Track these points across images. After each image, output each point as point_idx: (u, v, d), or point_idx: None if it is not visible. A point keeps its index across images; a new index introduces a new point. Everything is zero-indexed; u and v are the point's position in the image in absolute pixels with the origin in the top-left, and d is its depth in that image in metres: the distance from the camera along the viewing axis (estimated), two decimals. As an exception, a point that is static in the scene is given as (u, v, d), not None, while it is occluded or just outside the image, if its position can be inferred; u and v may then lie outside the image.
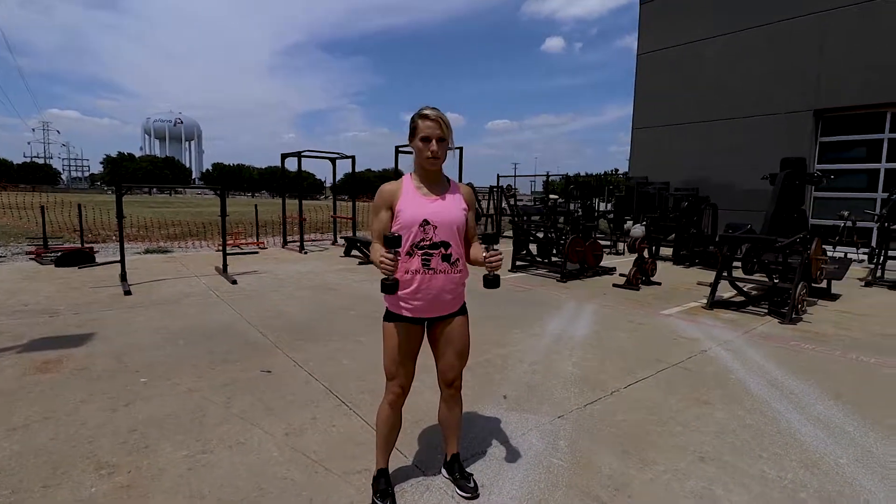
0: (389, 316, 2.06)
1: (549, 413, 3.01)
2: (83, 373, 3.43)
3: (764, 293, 5.88)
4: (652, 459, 2.51)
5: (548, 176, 17.28)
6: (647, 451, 2.59)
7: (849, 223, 8.30)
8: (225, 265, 7.33)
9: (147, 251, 9.61)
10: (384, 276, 1.84)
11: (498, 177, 14.99)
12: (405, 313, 2.03)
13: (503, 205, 14.55)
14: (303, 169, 11.11)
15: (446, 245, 1.98)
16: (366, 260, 8.86)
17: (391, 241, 1.81)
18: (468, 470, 2.29)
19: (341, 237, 11.32)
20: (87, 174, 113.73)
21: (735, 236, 5.39)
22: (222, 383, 3.29)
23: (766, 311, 5.54)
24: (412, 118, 1.99)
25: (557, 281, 7.30)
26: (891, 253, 7.33)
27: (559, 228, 8.02)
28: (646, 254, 7.05)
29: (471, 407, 3.00)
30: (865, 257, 7.84)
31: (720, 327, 4.96)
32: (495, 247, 1.98)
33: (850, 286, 7.12)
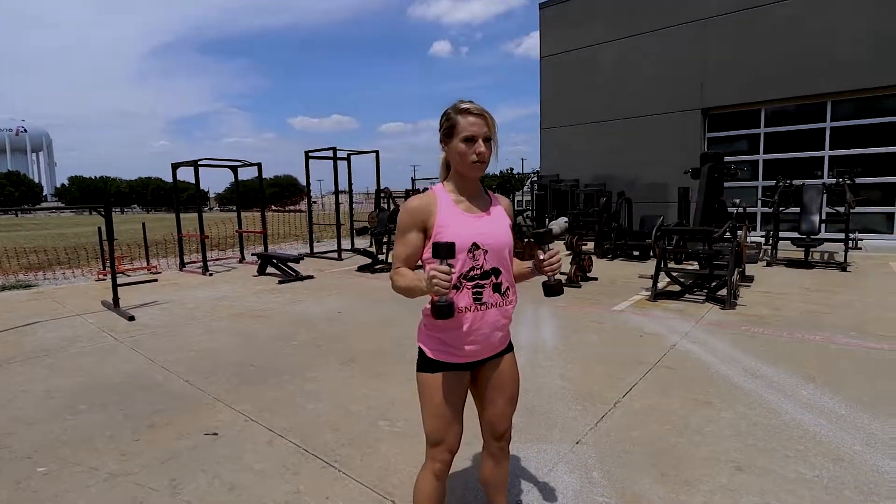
0: (431, 365, 1.60)
1: (565, 439, 2.71)
2: (-58, 473, 2.47)
3: (693, 281, 6.18)
4: (694, 479, 2.31)
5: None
6: (683, 470, 2.39)
7: (740, 209, 9.17)
8: (116, 298, 6.13)
9: (3, 287, 7.83)
10: (436, 298, 1.39)
11: (413, 180, 14.66)
12: (453, 360, 1.59)
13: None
14: (179, 179, 9.80)
15: (497, 272, 1.57)
16: (288, 278, 8.02)
17: (444, 251, 1.37)
18: (518, 532, 1.91)
19: (252, 254, 10.22)
20: None
21: (675, 229, 5.60)
22: (158, 460, 2.55)
23: (703, 298, 5.81)
24: (446, 115, 1.56)
25: (499, 284, 7.13)
26: (781, 234, 8.19)
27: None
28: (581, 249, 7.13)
29: (472, 445, 2.60)
30: (762, 239, 8.70)
31: (673, 318, 5.07)
32: (550, 246, 1.62)
33: (754, 268, 7.82)
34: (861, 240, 9.24)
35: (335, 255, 10.87)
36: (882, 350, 3.97)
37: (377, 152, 11.88)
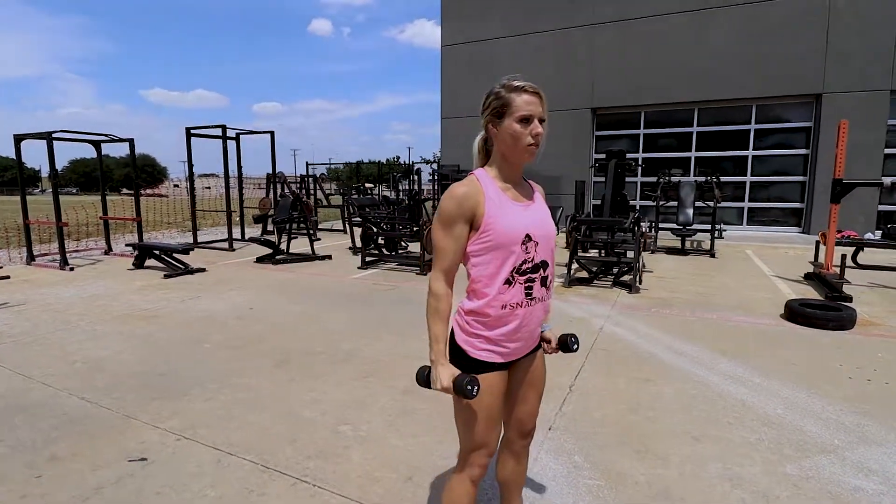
0: (474, 366, 1.45)
1: (538, 427, 2.70)
2: None
3: (599, 268, 6.66)
4: (663, 453, 2.46)
5: (359, 164, 16.76)
6: (651, 445, 2.52)
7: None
8: (-51, 301, 4.89)
9: None
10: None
11: (307, 164, 13.84)
12: (499, 359, 1.46)
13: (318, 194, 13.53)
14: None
15: (545, 265, 1.48)
16: (176, 272, 7.08)
17: (463, 394, 1.35)
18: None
19: (126, 245, 8.84)
20: None
21: (588, 220, 5.96)
22: (77, 499, 2.04)
23: (610, 283, 6.28)
24: (494, 94, 1.41)
25: (417, 274, 7.02)
26: (661, 224, 9.21)
27: (413, 218, 7.71)
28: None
29: (446, 443, 2.50)
30: (646, 229, 9.70)
31: (591, 303, 5.40)
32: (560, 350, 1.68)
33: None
34: (725, 230, 10.77)
35: (226, 244, 9.88)
36: (767, 325, 4.62)
37: (272, 133, 11.01)
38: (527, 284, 1.43)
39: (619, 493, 2.14)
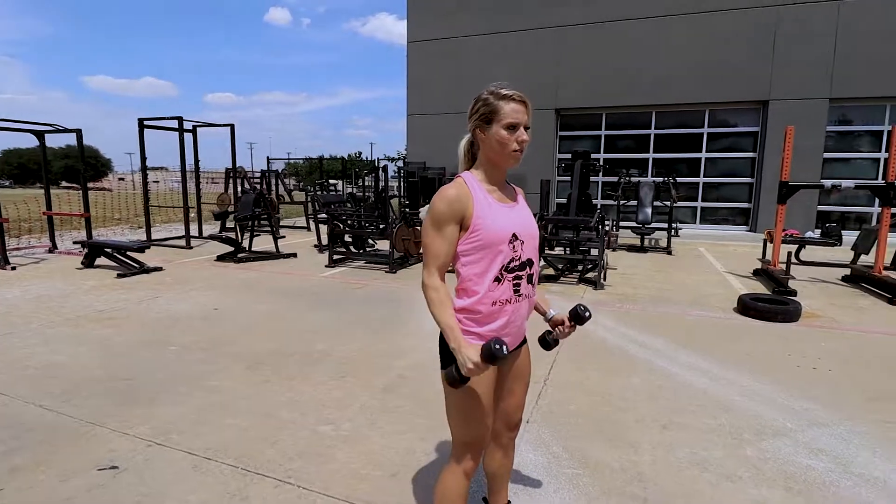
0: None
1: (516, 420, 2.79)
2: None
3: (565, 265, 6.85)
4: (635, 441, 2.58)
5: (321, 159, 16.47)
6: (624, 434, 2.64)
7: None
8: None
9: None
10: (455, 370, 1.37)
11: (268, 159, 13.49)
12: None
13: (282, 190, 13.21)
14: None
15: (531, 263, 1.55)
16: (130, 271, 6.78)
17: (494, 356, 1.30)
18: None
19: (74, 242, 8.36)
20: None
21: (557, 218, 6.11)
22: (44, 511, 1.95)
23: (575, 280, 6.47)
24: (482, 100, 1.47)
25: (387, 272, 6.99)
26: (621, 223, 9.54)
27: (383, 216, 7.67)
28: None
29: (429, 439, 2.55)
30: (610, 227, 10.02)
31: (559, 300, 5.54)
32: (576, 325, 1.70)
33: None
34: (681, 228, 11.27)
35: (182, 242, 9.52)
36: (721, 318, 4.89)
37: (232, 126, 10.66)
38: (514, 282, 1.49)
39: (596, 480, 2.23)
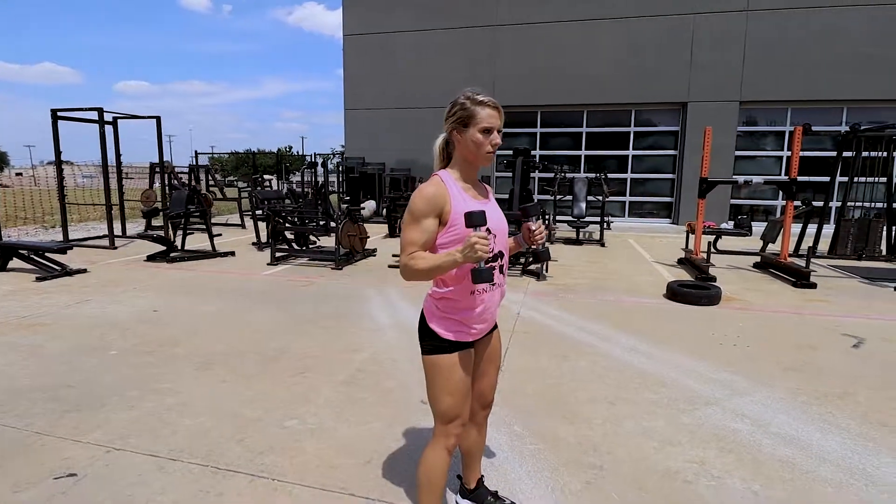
0: (447, 346, 1.61)
1: (478, 404, 2.93)
2: None
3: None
4: (587, 417, 2.80)
5: (254, 154, 15.82)
6: (577, 411, 2.86)
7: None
8: None
9: None
10: (476, 265, 1.44)
11: (196, 153, 12.81)
12: (468, 338, 1.64)
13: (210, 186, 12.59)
14: None
15: (501, 255, 1.69)
16: (51, 274, 6.27)
17: (478, 218, 1.43)
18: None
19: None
20: None
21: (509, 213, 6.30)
22: (-1, 525, 1.85)
23: (519, 272, 6.74)
24: (460, 105, 1.59)
25: (333, 269, 6.93)
26: (558, 217, 10.00)
27: (327, 213, 7.56)
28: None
29: (396, 427, 2.65)
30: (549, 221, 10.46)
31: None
32: (533, 218, 1.78)
33: (540, 245, 9.36)
34: (612, 222, 11.96)
35: (106, 242, 8.89)
36: (653, 304, 5.32)
37: (158, 118, 10.04)
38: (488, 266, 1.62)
39: (556, 453, 2.42)
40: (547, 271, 6.65)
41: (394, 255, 7.55)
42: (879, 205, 7.25)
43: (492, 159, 1.63)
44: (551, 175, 10.69)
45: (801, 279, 6.15)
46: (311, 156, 15.59)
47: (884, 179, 7.07)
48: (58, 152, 9.18)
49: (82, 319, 4.48)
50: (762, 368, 3.54)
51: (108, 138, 9.09)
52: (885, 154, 6.98)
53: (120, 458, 2.31)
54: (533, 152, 13.42)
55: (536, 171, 13.18)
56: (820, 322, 4.68)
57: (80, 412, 2.74)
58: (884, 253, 7.04)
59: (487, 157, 1.61)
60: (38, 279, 6.16)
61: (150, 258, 7.58)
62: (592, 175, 10.35)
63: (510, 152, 8.32)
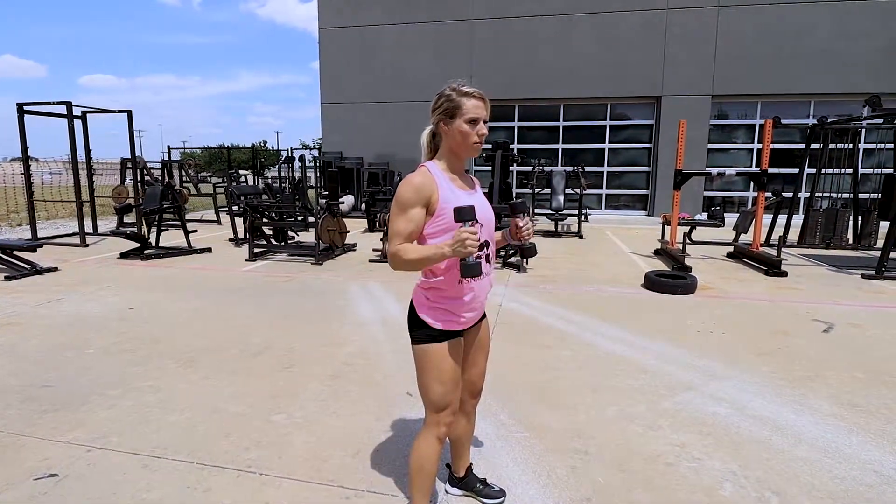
0: (438, 335, 1.63)
1: (464, 395, 2.96)
2: None
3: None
4: (572, 404, 2.86)
5: (229, 149, 15.53)
6: (562, 399, 2.92)
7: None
8: None
9: None
10: (465, 258, 1.45)
11: (169, 148, 12.49)
12: (457, 327, 1.66)
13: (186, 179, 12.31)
14: None
15: (487, 245, 1.70)
16: (20, 272, 6.06)
17: (468, 213, 1.45)
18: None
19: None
20: None
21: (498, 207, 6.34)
22: (-22, 528, 1.80)
23: (500, 265, 6.79)
24: (446, 96, 1.60)
25: (313, 264, 6.87)
26: (537, 210, 10.09)
27: (306, 207, 7.47)
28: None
29: (384, 419, 2.66)
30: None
31: (487, 283, 5.81)
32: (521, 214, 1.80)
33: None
34: (590, 214, 12.13)
35: (76, 240, 8.63)
36: (632, 294, 5.43)
37: (129, 112, 9.76)
38: (476, 260, 1.64)
39: (543, 440, 2.46)
40: (527, 263, 6.72)
41: (374, 250, 7.52)
42: (846, 195, 7.53)
43: (479, 150, 1.65)
44: (529, 168, 10.76)
45: (772, 268, 6.35)
46: (287, 150, 15.36)
47: (850, 171, 7.33)
48: (24, 147, 8.85)
49: (57, 318, 4.35)
50: (738, 354, 3.65)
51: (77, 133, 8.80)
52: (850, 146, 7.24)
53: (103, 457, 2.27)
54: (511, 146, 13.52)
55: (515, 165, 13.33)
56: (791, 308, 4.85)
57: (59, 412, 2.68)
58: (850, 241, 7.32)
59: (474, 147, 1.62)
60: (7, 278, 5.96)
61: (124, 256, 7.39)
62: (570, 168, 10.47)
63: (489, 146, 8.36)
